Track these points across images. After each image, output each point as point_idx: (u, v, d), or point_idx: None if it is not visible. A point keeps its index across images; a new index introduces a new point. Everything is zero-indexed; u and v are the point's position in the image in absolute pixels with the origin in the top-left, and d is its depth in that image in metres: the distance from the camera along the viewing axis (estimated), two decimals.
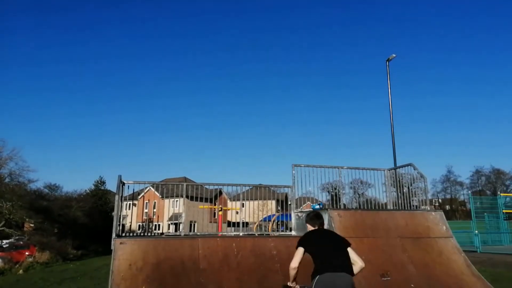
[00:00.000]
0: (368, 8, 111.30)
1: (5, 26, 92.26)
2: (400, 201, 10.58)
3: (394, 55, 20.72)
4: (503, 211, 23.47)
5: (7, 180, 28.85)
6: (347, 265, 3.88)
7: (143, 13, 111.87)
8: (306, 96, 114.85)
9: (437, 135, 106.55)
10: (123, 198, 8.18)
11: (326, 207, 10.14)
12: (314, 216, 4.34)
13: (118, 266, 6.50)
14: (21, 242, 25.69)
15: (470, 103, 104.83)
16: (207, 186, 11.50)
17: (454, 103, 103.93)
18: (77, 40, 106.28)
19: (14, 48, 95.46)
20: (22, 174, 29.13)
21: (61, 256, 25.01)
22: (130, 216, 26.51)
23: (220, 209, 31.96)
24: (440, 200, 78.89)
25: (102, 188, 44.91)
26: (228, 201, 41.50)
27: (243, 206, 12.57)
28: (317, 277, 3.77)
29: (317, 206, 9.88)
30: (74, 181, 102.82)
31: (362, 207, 18.26)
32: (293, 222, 9.63)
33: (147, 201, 56.87)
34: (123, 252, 6.69)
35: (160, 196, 54.00)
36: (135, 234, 12.32)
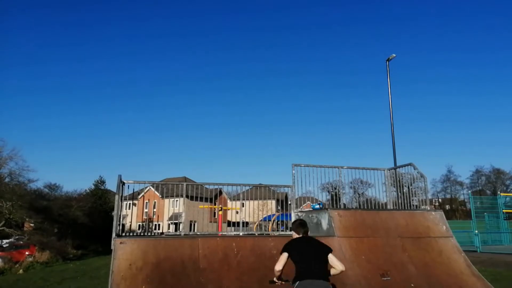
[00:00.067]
0: (368, 8, 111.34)
1: (5, 26, 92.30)
2: (400, 201, 10.59)
3: (394, 55, 20.74)
4: (503, 211, 23.48)
5: (7, 180, 28.88)
6: (325, 272, 4.26)
7: (143, 12, 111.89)
8: (306, 96, 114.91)
9: (437, 135, 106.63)
10: (123, 198, 8.18)
11: (326, 207, 10.14)
12: (299, 225, 4.67)
13: (118, 265, 6.50)
14: (21, 242, 25.73)
15: (470, 103, 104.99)
16: (207, 186, 11.51)
17: (454, 103, 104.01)
18: (77, 40, 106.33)
19: (14, 47, 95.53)
20: (22, 174, 29.21)
21: (61, 255, 25.03)
22: (130, 215, 26.50)
23: (220, 209, 31.96)
24: (440, 200, 78.83)
25: (102, 187, 44.91)
26: (228, 201, 41.47)
27: (243, 206, 12.57)
28: (297, 283, 4.16)
29: (317, 206, 9.87)
30: (74, 181, 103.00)
31: (362, 207, 18.25)
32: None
33: (147, 201, 56.88)
34: (123, 252, 6.68)
35: (160, 196, 53.96)
36: (135, 234, 12.31)
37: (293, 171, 9.59)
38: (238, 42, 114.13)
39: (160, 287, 6.41)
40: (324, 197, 16.60)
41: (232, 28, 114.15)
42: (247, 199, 11.63)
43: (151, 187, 50.74)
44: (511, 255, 16.46)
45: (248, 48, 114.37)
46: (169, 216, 54.08)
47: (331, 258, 4.34)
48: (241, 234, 9.27)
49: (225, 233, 11.27)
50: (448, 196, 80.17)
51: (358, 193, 56.76)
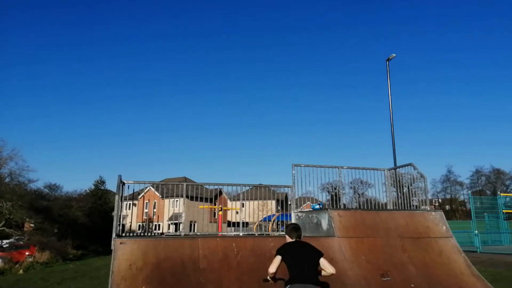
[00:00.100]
0: (368, 8, 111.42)
1: (5, 26, 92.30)
2: (400, 201, 10.59)
3: (394, 55, 20.74)
4: (503, 211, 23.48)
5: (7, 180, 28.86)
6: (316, 276, 4.48)
7: (143, 12, 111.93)
8: (306, 96, 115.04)
9: (437, 135, 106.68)
10: (123, 198, 8.18)
11: (326, 207, 10.15)
12: (293, 229, 4.87)
13: (118, 266, 6.50)
14: (21, 242, 25.72)
15: (470, 103, 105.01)
16: (207, 186, 11.51)
17: (454, 103, 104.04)
18: (77, 40, 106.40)
19: (14, 47, 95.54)
20: (22, 174, 29.17)
21: (61, 256, 25.03)
22: (130, 216, 26.49)
23: (220, 209, 31.96)
24: (440, 200, 78.81)
25: (102, 188, 44.92)
26: (228, 201, 41.47)
27: (243, 206, 12.57)
28: (288, 286, 4.40)
29: (317, 206, 9.88)
30: (74, 181, 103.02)
31: (362, 207, 18.25)
32: (293, 222, 9.63)
33: (147, 201, 56.88)
34: (123, 252, 6.68)
35: (160, 196, 54.01)
36: (135, 234, 12.32)
37: (293, 171, 9.59)
38: (238, 42, 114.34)
39: (160, 287, 6.41)
40: (324, 197, 16.63)
41: (232, 28, 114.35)
42: (247, 199, 11.64)
43: (151, 187, 50.74)
44: (511, 255, 16.45)
45: (248, 48, 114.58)
46: (169, 216, 54.07)
47: (322, 262, 4.54)
48: (241, 234, 9.27)
49: (225, 233, 11.28)
50: (448, 196, 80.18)
51: (358, 193, 56.76)
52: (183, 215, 11.88)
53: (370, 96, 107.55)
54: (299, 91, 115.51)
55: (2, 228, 26.20)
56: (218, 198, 38.17)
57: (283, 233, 10.19)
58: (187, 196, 9.58)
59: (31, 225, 30.10)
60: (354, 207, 20.60)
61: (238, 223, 10.19)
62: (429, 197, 10.84)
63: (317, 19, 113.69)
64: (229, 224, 25.65)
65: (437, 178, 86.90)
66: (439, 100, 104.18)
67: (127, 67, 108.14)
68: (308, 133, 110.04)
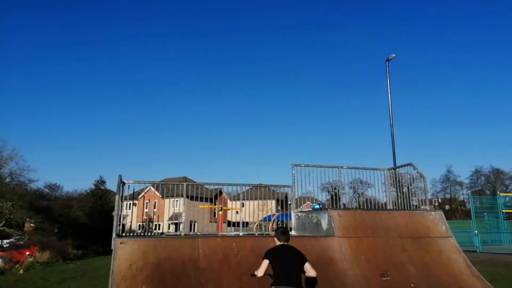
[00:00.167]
0: (368, 8, 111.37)
1: (5, 26, 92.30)
2: (399, 201, 10.60)
3: (393, 55, 20.75)
4: (503, 211, 23.50)
5: (7, 180, 28.87)
6: (300, 280, 4.78)
7: (143, 12, 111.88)
8: (306, 96, 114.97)
9: (437, 135, 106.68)
10: (123, 198, 8.20)
11: (326, 207, 10.16)
12: (281, 233, 5.21)
13: (118, 266, 6.51)
14: (22, 242, 25.73)
15: (470, 103, 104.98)
16: (207, 186, 11.53)
17: (454, 103, 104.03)
18: (77, 40, 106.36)
19: (14, 47, 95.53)
20: (23, 174, 29.17)
21: (61, 256, 25.03)
22: (130, 216, 26.51)
23: (220, 209, 31.97)
24: (439, 200, 78.86)
25: (102, 188, 44.90)
26: (228, 201, 41.49)
27: (243, 206, 12.59)
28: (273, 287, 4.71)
29: (317, 206, 9.89)
30: (74, 181, 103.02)
31: (362, 207, 18.27)
32: (293, 222, 9.65)
33: (147, 201, 56.87)
34: (123, 252, 6.70)
35: (160, 196, 53.96)
36: (135, 234, 12.34)
37: (293, 171, 9.60)
38: (238, 42, 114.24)
39: (160, 287, 6.43)
40: (324, 197, 16.64)
41: (232, 28, 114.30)
42: (247, 199, 11.65)
43: (151, 187, 50.76)
44: (510, 255, 16.46)
45: (248, 48, 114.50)
46: (169, 216, 54.07)
47: (306, 266, 4.87)
48: (241, 234, 9.28)
49: (225, 233, 11.29)
50: (447, 196, 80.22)
51: (358, 193, 56.78)
52: (183, 215, 11.89)
53: (370, 96, 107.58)
54: (299, 91, 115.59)
55: (3, 228, 26.22)
56: (218, 198, 38.19)
57: None
58: (187, 196, 9.60)
59: (31, 225, 30.11)
60: (354, 207, 20.62)
61: (238, 223, 10.20)
62: (429, 197, 10.85)
63: (317, 19, 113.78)
64: (229, 224, 25.68)
65: (437, 178, 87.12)
66: (439, 100, 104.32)
67: (127, 67, 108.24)
68: (308, 133, 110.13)
